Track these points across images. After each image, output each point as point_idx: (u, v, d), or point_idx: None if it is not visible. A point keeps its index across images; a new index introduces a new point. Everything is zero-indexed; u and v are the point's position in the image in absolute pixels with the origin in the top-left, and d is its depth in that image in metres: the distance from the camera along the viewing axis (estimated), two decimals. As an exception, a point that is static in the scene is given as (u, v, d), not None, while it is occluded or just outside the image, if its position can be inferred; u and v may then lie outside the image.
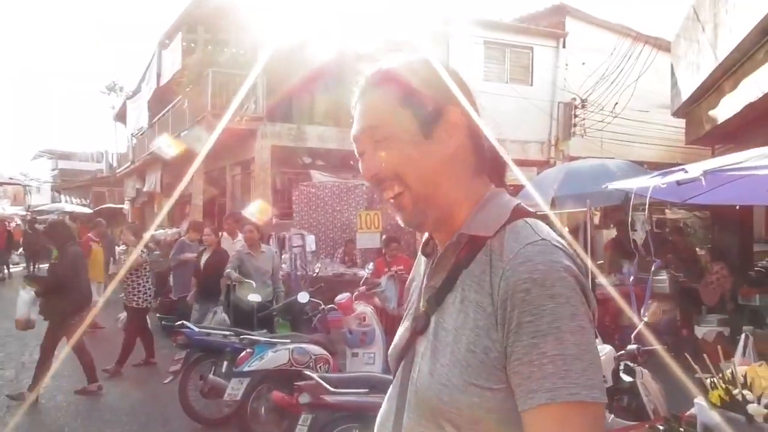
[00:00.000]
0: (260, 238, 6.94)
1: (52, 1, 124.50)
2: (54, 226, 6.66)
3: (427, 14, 11.90)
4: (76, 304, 5.82)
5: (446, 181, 0.97)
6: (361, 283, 6.99)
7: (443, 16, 12.77)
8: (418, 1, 12.02)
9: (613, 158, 9.77)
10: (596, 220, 10.31)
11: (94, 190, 29.63)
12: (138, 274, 6.95)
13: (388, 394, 1.07)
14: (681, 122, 8.55)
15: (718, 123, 6.42)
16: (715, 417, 2.16)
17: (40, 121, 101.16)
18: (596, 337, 2.66)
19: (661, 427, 2.47)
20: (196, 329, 5.25)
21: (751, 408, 2.08)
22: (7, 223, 17.60)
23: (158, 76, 16.05)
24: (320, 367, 4.67)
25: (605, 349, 2.95)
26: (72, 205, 30.01)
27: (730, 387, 2.22)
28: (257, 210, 8.72)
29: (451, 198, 0.98)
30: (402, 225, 1.03)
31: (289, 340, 4.91)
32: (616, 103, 12.30)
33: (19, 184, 37.07)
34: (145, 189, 19.54)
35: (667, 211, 11.76)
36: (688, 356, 2.58)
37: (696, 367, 2.40)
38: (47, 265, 7.04)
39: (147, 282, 7.07)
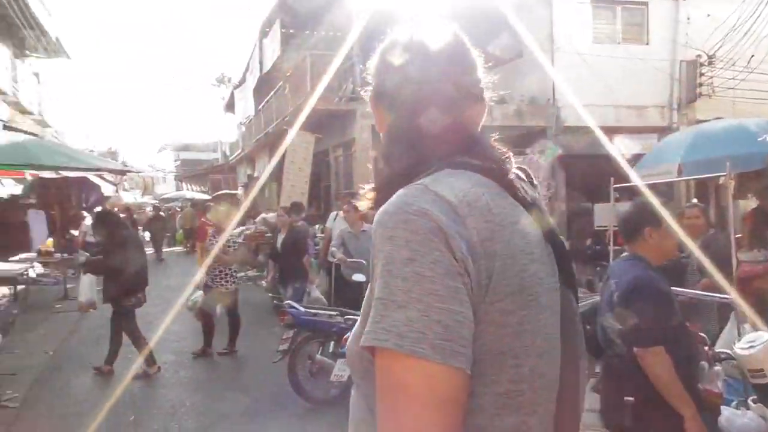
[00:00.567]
0: (361, 217, 6.89)
1: (161, 6, 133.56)
2: (99, 215, 6.88)
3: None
4: (128, 285, 5.94)
5: None
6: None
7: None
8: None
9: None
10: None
11: (211, 178, 31.49)
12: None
13: None
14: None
15: None
16: None
17: (164, 117, 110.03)
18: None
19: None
20: (302, 309, 5.29)
21: None
22: (133, 210, 19.16)
23: (260, 64, 16.59)
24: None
25: (764, 337, 2.50)
26: (192, 192, 32.39)
27: None
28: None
29: None
30: None
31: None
32: (752, 56, 10.87)
33: (148, 175, 40.64)
34: (255, 174, 20.44)
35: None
36: None
37: None
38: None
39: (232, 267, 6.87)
